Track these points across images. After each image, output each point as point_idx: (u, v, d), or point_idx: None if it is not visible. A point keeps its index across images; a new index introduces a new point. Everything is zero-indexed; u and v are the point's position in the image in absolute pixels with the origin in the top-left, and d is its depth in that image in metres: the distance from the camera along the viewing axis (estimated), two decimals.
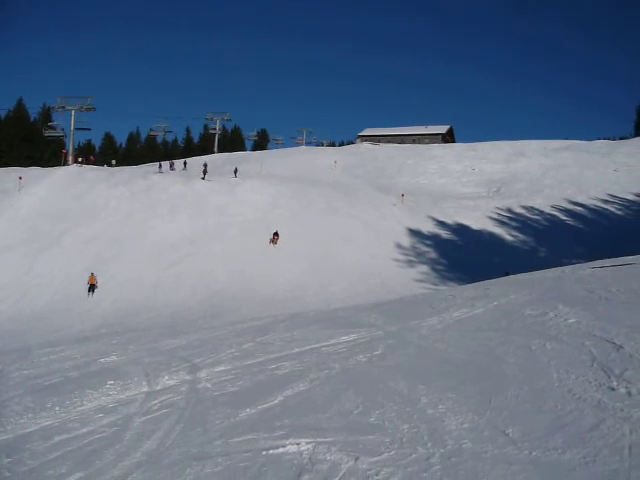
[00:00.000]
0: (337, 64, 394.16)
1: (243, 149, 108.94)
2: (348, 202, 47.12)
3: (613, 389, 5.90)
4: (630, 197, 54.30)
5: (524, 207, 51.32)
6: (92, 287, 30.11)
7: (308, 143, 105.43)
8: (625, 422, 4.95)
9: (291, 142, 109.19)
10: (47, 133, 68.55)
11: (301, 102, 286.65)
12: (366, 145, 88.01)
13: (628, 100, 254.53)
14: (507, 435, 4.95)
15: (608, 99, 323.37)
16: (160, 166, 57.22)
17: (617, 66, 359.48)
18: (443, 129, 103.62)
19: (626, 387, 5.88)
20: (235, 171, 51.16)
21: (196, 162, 62.22)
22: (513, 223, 47.28)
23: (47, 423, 7.11)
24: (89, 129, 67.17)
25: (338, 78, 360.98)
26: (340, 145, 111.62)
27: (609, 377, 6.28)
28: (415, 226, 44.62)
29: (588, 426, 4.96)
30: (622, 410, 5.25)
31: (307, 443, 5.20)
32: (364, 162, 70.34)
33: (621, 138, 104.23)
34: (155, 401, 7.58)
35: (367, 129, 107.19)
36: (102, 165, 59.39)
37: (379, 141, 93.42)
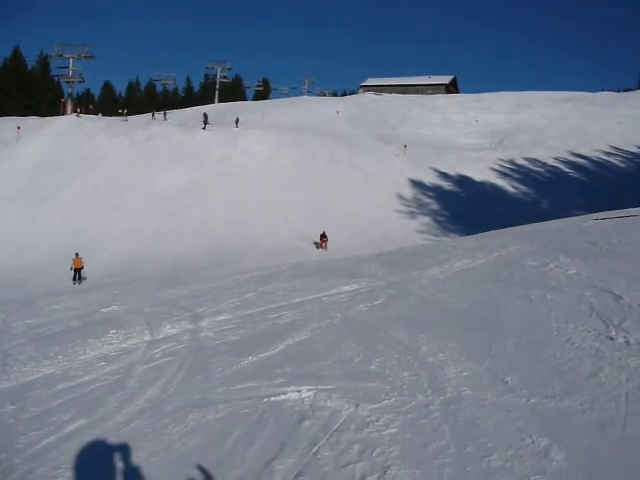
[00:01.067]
0: (339, 13, 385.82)
1: (244, 99, 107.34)
2: (350, 153, 46.77)
3: (612, 338, 5.94)
4: (633, 149, 53.92)
5: (527, 159, 50.97)
6: (78, 272, 24.45)
7: (310, 92, 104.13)
8: (622, 370, 4.99)
9: (295, 91, 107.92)
10: (65, 79, 66.82)
11: (304, 52, 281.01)
12: (369, 95, 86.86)
13: (633, 51, 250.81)
14: (506, 383, 4.99)
15: (613, 50, 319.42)
16: (159, 115, 56.65)
17: (622, 17, 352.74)
18: (446, 79, 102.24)
19: (624, 337, 5.91)
20: (236, 121, 50.49)
21: (198, 112, 61.45)
22: (515, 175, 47.01)
23: (50, 371, 7.18)
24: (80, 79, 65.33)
25: (341, 27, 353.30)
26: (343, 95, 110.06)
27: (608, 327, 6.31)
28: (417, 177, 44.40)
29: (586, 374, 5.00)
30: (620, 359, 5.29)
31: (308, 390, 5.26)
32: (367, 112, 69.58)
33: (625, 90, 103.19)
34: (157, 350, 7.64)
35: (370, 79, 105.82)
36: (97, 114, 58.30)
37: (382, 91, 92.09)
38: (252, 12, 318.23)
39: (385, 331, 7.05)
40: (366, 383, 5.29)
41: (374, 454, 3.95)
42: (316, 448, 4.19)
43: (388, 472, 3.69)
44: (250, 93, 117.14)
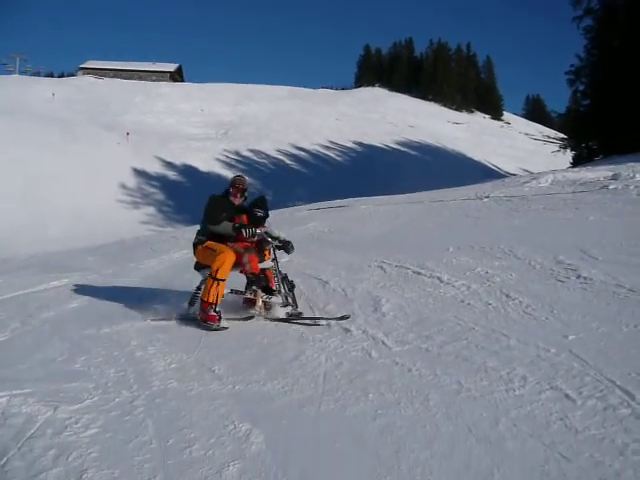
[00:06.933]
0: None
1: None
2: (68, 139, 44.09)
3: None
4: (349, 145, 58.96)
5: (252, 150, 52.76)
6: None
7: (22, 72, 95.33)
8: (322, 352, 5.33)
9: (2, 69, 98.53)
10: None
11: (15, 28, 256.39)
12: (89, 78, 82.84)
13: (351, 51, 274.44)
14: (213, 372, 5.05)
15: (332, 50, 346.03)
16: None
17: (341, 15, 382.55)
18: (172, 67, 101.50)
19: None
20: None
21: None
22: (241, 166, 48.33)
23: None
24: None
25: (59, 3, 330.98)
26: (60, 77, 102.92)
27: (313, 311, 6.74)
28: (141, 166, 43.45)
29: (289, 358, 5.25)
30: (321, 341, 5.65)
31: (0, 397, 4.77)
32: (87, 96, 66.19)
33: (343, 88, 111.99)
34: None
35: (90, 61, 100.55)
36: None
37: (103, 75, 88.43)
38: None
39: (92, 327, 6.74)
40: (68, 384, 4.95)
41: (70, 458, 3.69)
42: (5, 460, 3.80)
43: (84, 476, 3.47)
44: None
